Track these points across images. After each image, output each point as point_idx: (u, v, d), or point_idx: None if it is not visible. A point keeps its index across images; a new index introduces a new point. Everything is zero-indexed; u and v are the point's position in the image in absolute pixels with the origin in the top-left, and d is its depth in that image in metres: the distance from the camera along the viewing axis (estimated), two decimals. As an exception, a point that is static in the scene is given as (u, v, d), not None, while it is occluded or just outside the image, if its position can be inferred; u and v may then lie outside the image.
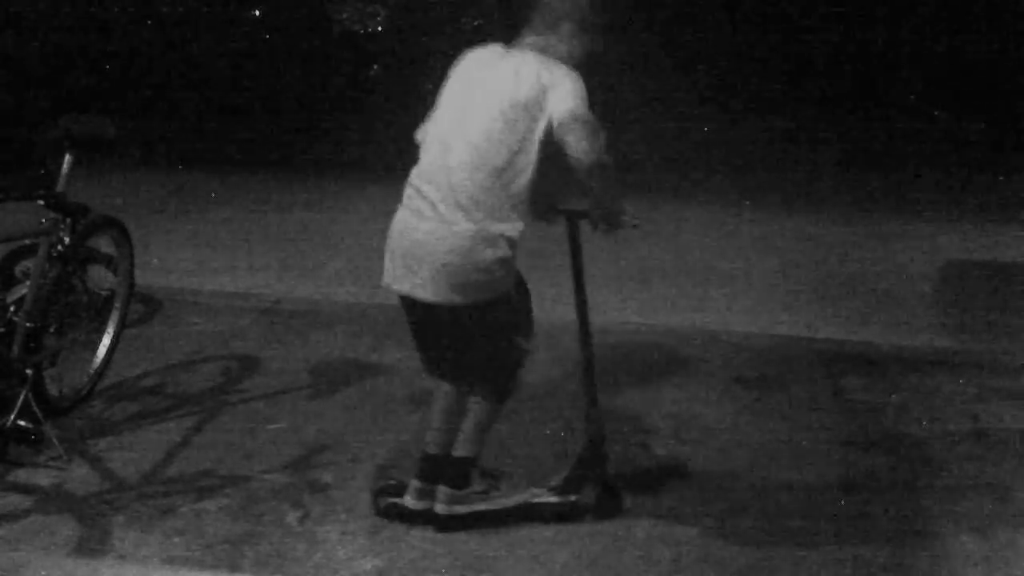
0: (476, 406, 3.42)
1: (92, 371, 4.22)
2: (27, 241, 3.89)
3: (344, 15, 13.62)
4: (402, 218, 3.29)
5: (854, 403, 4.45)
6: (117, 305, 4.37)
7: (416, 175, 3.28)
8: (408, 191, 3.29)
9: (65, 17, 13.42)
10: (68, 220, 3.85)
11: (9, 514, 3.33)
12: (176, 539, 3.24)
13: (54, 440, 3.63)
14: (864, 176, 9.28)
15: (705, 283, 6.06)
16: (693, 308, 5.63)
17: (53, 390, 3.91)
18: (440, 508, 3.37)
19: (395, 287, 3.29)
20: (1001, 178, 9.03)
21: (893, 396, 4.50)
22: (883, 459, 3.93)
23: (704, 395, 4.47)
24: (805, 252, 6.77)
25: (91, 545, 3.20)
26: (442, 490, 3.37)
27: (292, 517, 3.39)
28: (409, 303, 3.30)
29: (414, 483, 3.41)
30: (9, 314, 3.69)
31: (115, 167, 7.84)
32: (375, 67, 12.46)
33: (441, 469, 3.41)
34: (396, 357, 4.77)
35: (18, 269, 3.97)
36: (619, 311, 5.55)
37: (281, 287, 5.80)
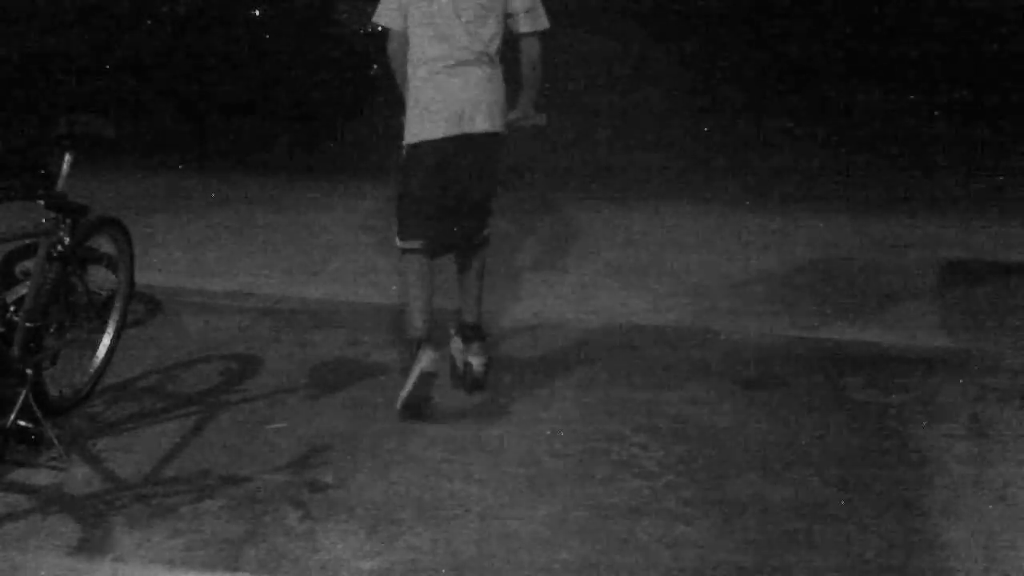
0: (478, 269, 4.54)
1: (92, 371, 4.22)
2: (27, 241, 3.89)
3: (344, 15, 13.60)
4: (439, 83, 4.26)
5: (854, 403, 4.44)
6: (117, 305, 4.37)
7: (425, 61, 4.28)
8: (428, 67, 4.27)
9: (65, 17, 13.42)
10: (68, 220, 3.85)
11: (9, 514, 3.33)
12: (176, 539, 3.24)
13: (54, 440, 3.63)
14: (864, 176, 9.28)
15: (705, 283, 6.06)
16: (692, 308, 5.62)
17: (53, 390, 3.91)
18: (480, 364, 4.47)
19: (445, 134, 4.26)
20: (1002, 178, 9.02)
21: (893, 396, 4.50)
22: (883, 459, 3.93)
23: (704, 395, 4.47)
24: (805, 251, 6.76)
25: (91, 545, 3.20)
26: (478, 347, 4.48)
27: (292, 517, 3.39)
28: (453, 147, 4.28)
29: (429, 352, 4.19)
30: (9, 314, 3.69)
31: (115, 167, 7.84)
32: (375, 67, 12.45)
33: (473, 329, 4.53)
34: (396, 357, 4.77)
35: (18, 269, 3.97)
36: (618, 311, 5.55)
37: (281, 287, 5.80)
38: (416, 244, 4.34)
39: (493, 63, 4.33)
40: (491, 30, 4.29)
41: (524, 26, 4.35)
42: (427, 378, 4.14)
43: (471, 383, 4.46)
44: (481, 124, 4.29)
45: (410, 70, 4.32)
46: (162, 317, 5.22)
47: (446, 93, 4.25)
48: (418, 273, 4.36)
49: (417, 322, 4.31)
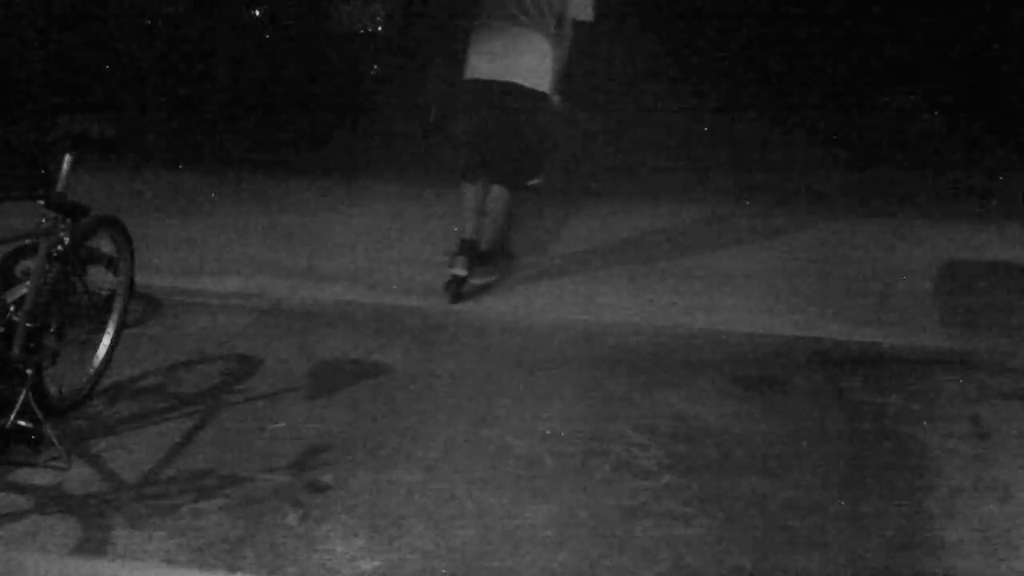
0: (496, 204, 5.55)
1: (92, 371, 4.22)
2: (27, 241, 3.89)
3: (344, 15, 13.59)
4: (494, 35, 5.22)
5: (854, 403, 4.45)
6: (117, 305, 4.37)
7: (490, 15, 5.28)
8: (490, 20, 5.27)
9: (65, 16, 13.41)
10: (68, 220, 3.85)
11: (9, 514, 3.33)
12: (176, 539, 3.24)
13: (54, 440, 3.63)
14: (864, 175, 9.28)
15: (705, 283, 6.06)
16: (693, 308, 5.63)
17: (53, 390, 3.91)
18: (477, 280, 5.52)
19: (484, 77, 5.27)
20: (1001, 177, 9.03)
21: (893, 396, 4.50)
22: (883, 459, 3.93)
23: (704, 395, 4.47)
24: (805, 251, 6.77)
25: (91, 545, 3.20)
26: (478, 269, 5.52)
27: (292, 517, 3.39)
28: (491, 90, 5.28)
29: (460, 259, 5.42)
30: (9, 314, 3.68)
31: (115, 167, 7.84)
32: (375, 67, 12.46)
33: (475, 251, 5.48)
34: (396, 357, 4.78)
35: (18, 269, 3.97)
36: (619, 311, 5.55)
37: (281, 287, 5.80)
38: (461, 166, 5.47)
39: (543, 32, 5.23)
40: (550, 6, 5.22)
41: (568, 11, 5.28)
42: (458, 279, 5.44)
43: (453, 294, 5.40)
44: (516, 76, 5.20)
45: (477, 20, 5.30)
46: (162, 317, 5.22)
47: (497, 44, 5.21)
48: (464, 194, 5.49)
49: (466, 228, 5.47)
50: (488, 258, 5.70)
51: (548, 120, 5.44)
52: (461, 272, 5.45)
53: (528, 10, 5.19)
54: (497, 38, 5.23)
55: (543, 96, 5.32)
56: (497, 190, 5.54)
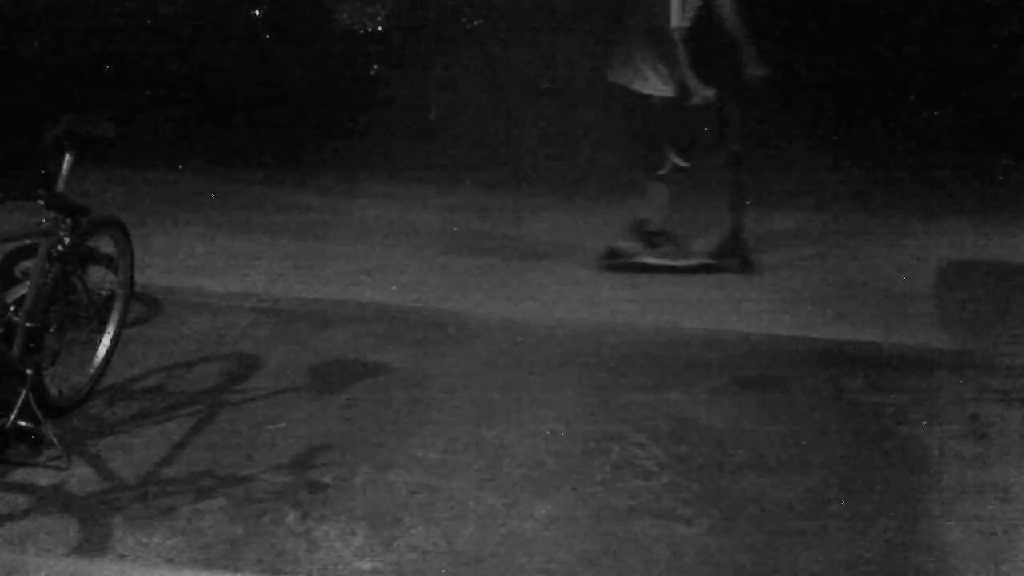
0: (647, 191, 6.17)
1: (92, 371, 4.21)
2: (27, 241, 3.89)
3: (344, 15, 13.59)
4: (622, 43, 5.97)
5: (854, 403, 4.45)
6: (117, 305, 4.37)
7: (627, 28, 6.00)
8: (620, 34, 6.03)
9: (65, 17, 13.41)
10: (68, 220, 3.85)
11: (9, 514, 3.33)
12: (176, 539, 3.24)
13: (54, 440, 3.63)
14: (863, 175, 9.27)
15: (705, 283, 6.06)
16: (691, 308, 5.62)
17: (53, 390, 3.91)
18: (651, 260, 6.07)
19: (622, 83, 5.94)
20: (1001, 177, 9.03)
21: (893, 396, 4.50)
22: (883, 459, 3.93)
23: (704, 395, 4.47)
24: (805, 251, 6.77)
25: (91, 545, 3.20)
26: (649, 250, 6.10)
27: (292, 517, 3.39)
28: (625, 92, 5.96)
29: (624, 234, 6.15)
30: (9, 314, 3.68)
31: (115, 167, 7.83)
32: (375, 67, 12.45)
33: (640, 231, 6.14)
34: (396, 357, 4.77)
35: (18, 269, 3.97)
36: (618, 311, 5.55)
37: (281, 287, 5.80)
38: None
39: (656, 40, 5.81)
40: (651, 17, 5.80)
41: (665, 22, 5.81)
42: (610, 250, 6.12)
43: (602, 262, 6.10)
44: (619, 77, 5.94)
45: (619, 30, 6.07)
46: (162, 317, 5.22)
47: (624, 53, 5.93)
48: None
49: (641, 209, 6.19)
50: (655, 240, 6.16)
51: (663, 119, 5.97)
52: (616, 244, 6.13)
53: (645, 23, 5.85)
54: (624, 48, 5.95)
55: (648, 98, 5.88)
56: (647, 178, 6.14)
